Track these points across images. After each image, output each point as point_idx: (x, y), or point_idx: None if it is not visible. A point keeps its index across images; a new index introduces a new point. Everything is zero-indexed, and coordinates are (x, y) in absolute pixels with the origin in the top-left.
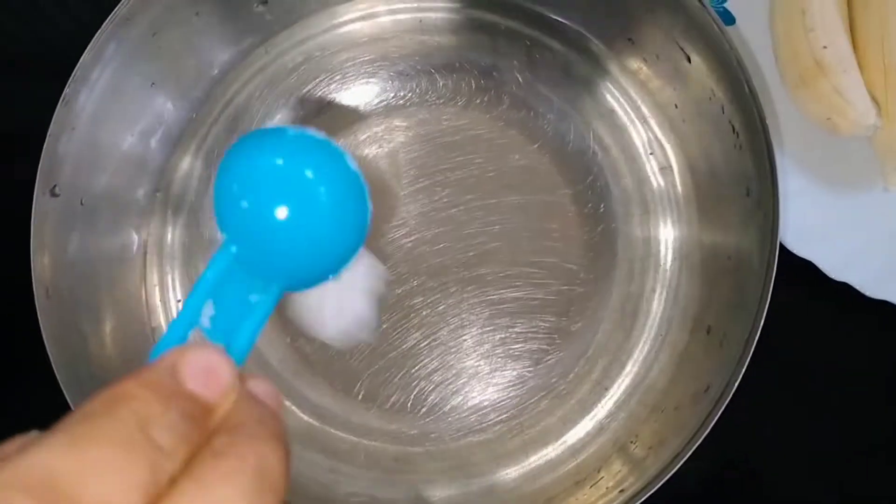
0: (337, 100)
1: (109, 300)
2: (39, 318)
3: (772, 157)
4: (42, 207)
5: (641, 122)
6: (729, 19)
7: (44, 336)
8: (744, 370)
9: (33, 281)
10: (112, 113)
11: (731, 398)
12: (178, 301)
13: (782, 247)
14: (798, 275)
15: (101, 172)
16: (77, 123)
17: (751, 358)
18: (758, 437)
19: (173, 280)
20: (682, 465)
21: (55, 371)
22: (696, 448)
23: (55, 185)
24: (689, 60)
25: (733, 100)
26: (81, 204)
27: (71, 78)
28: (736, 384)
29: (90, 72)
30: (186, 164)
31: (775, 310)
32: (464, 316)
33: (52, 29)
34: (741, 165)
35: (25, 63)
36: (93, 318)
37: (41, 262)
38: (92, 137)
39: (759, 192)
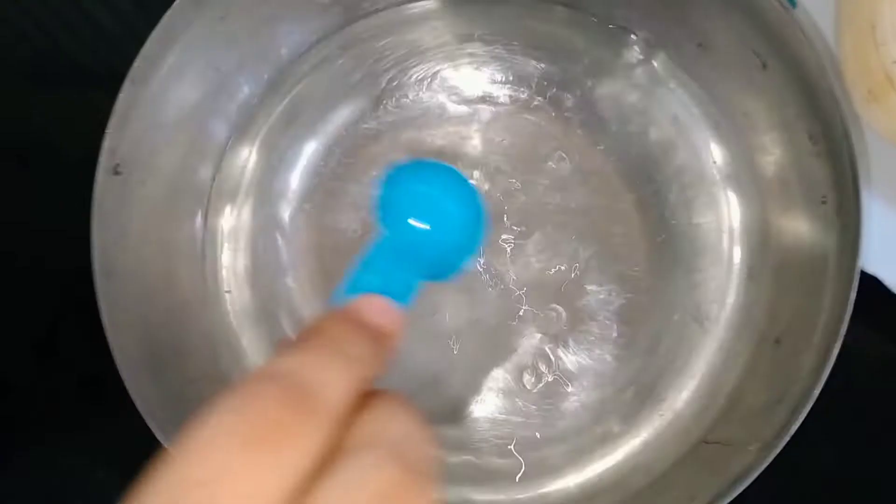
0: (399, 97)
1: (166, 282)
2: (98, 298)
3: (854, 164)
4: (104, 185)
5: (708, 129)
6: None
7: (102, 317)
8: (822, 382)
9: (93, 261)
10: (176, 95)
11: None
12: (227, 292)
13: None
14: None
15: (162, 154)
16: (142, 102)
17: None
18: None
19: (227, 264)
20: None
21: (112, 352)
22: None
23: (118, 164)
24: (765, 66)
25: (811, 107)
26: (143, 185)
27: (139, 56)
28: (814, 396)
29: (157, 50)
30: (245, 150)
31: None
32: (514, 324)
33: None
34: (816, 174)
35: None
36: (149, 299)
37: (101, 241)
38: (155, 118)
39: (838, 201)
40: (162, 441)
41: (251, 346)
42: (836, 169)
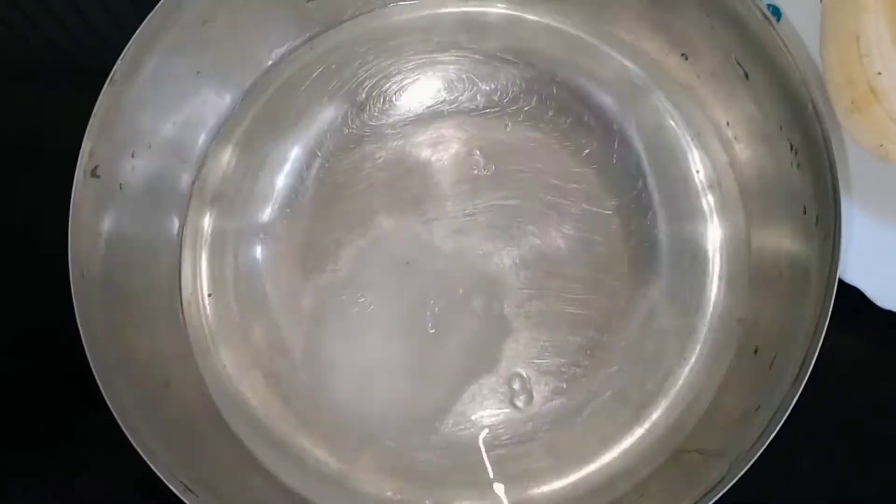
0: (381, 102)
1: (142, 286)
2: (74, 300)
3: (834, 175)
4: (82, 187)
5: (692, 138)
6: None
7: (77, 319)
8: (800, 391)
9: (70, 262)
10: (157, 98)
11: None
12: (209, 295)
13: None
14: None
15: (142, 157)
16: (123, 105)
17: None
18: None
19: (203, 270)
20: None
21: (87, 354)
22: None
23: (97, 166)
24: (748, 77)
25: (794, 118)
26: (121, 188)
27: (119, 59)
28: (791, 404)
29: (138, 54)
30: (226, 154)
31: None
32: (495, 328)
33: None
34: (797, 184)
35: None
36: (125, 302)
37: (78, 243)
38: (136, 121)
39: (818, 211)
40: (134, 443)
41: (229, 351)
42: (816, 180)
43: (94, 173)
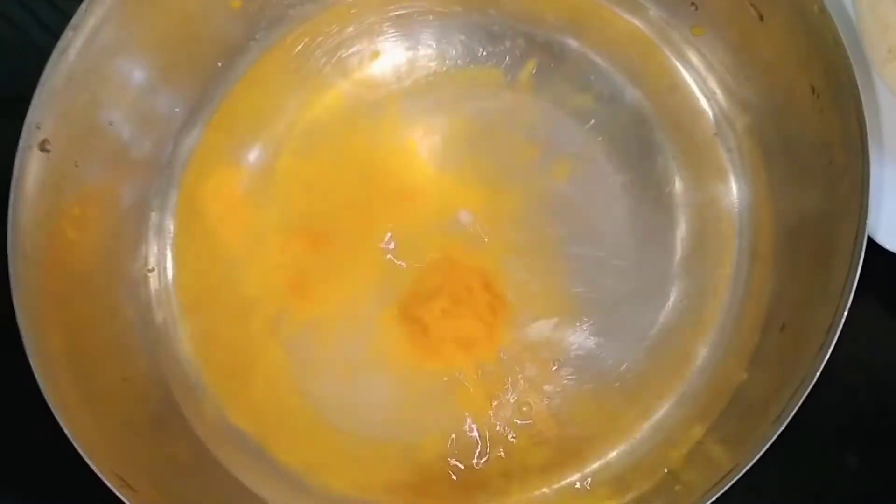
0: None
1: (102, 273)
2: (12, 284)
3: (860, 116)
4: (26, 162)
5: (706, 97)
6: None
7: (15, 304)
8: (822, 365)
9: (8, 244)
10: (118, 73)
11: None
12: (151, 270)
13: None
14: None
15: (101, 135)
16: (76, 76)
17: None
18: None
19: (168, 255)
20: None
21: (25, 344)
22: None
23: (45, 140)
24: (762, 18)
25: (813, 56)
26: (76, 165)
27: (68, 26)
28: (814, 379)
29: (90, 21)
30: (194, 132)
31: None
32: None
33: None
34: (822, 131)
35: None
36: (78, 290)
37: (21, 222)
38: (95, 95)
39: (845, 160)
40: (69, 436)
41: (188, 338)
42: (842, 122)
43: (42, 147)
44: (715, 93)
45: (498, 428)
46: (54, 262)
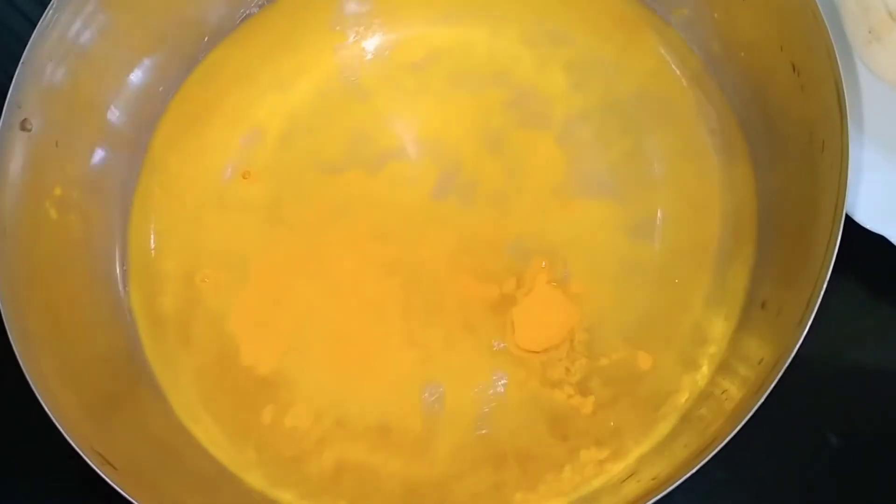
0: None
1: (85, 252)
2: None
3: (841, 93)
4: (7, 141)
5: (688, 77)
6: None
7: None
8: (803, 335)
9: None
10: (104, 51)
11: None
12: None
13: (852, 223)
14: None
15: (86, 114)
16: (55, 54)
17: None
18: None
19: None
20: None
21: (5, 321)
22: None
23: (26, 119)
24: None
25: (795, 36)
26: (56, 145)
27: (49, 5)
28: (794, 352)
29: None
30: (174, 112)
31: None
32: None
33: None
34: (802, 109)
35: None
36: (60, 269)
37: (1, 202)
38: (78, 75)
39: (824, 136)
40: (50, 413)
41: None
42: (821, 99)
43: (23, 126)
44: (697, 72)
45: None
46: (35, 242)
